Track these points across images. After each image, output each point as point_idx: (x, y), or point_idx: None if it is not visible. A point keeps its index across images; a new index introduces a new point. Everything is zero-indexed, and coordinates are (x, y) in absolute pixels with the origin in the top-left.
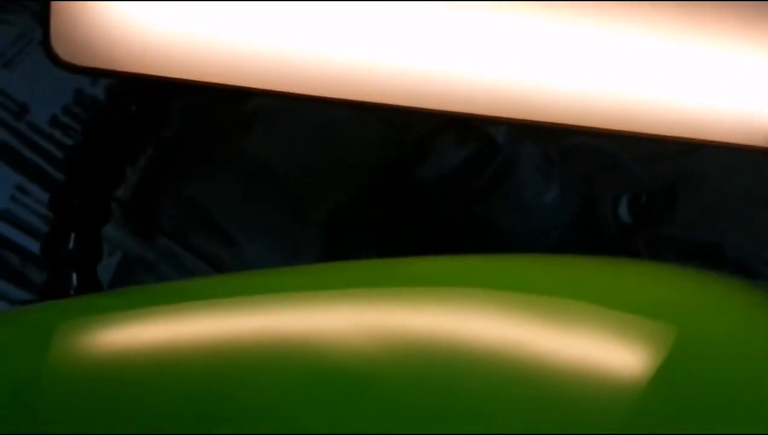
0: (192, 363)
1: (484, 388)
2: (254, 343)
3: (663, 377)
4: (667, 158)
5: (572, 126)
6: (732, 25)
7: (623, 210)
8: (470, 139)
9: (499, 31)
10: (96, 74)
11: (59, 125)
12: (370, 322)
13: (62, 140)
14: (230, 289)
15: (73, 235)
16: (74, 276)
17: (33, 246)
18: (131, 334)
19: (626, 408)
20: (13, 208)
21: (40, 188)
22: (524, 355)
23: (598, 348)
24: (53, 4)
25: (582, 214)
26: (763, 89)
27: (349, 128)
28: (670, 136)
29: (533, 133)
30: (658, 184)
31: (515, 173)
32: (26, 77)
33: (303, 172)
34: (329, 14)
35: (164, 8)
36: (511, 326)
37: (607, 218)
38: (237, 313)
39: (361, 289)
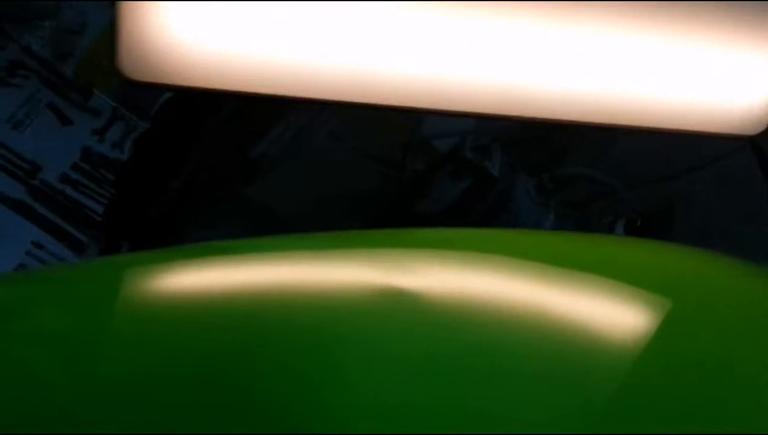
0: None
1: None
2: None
3: (663, 342)
4: (658, 183)
5: (559, 120)
6: (702, 22)
7: (619, 233)
8: (466, 173)
9: (480, 33)
10: (159, 88)
11: (70, 181)
12: (401, 283)
13: (73, 195)
14: (270, 247)
15: None
16: None
17: None
18: (188, 283)
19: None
20: (28, 262)
21: (55, 241)
22: (541, 319)
23: (608, 315)
24: (122, 30)
25: None
26: (732, 81)
27: (348, 169)
28: (646, 127)
29: (527, 165)
30: (652, 208)
31: (512, 204)
32: (36, 137)
33: (305, 214)
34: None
35: (218, 28)
36: (532, 294)
37: None
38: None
39: (395, 251)
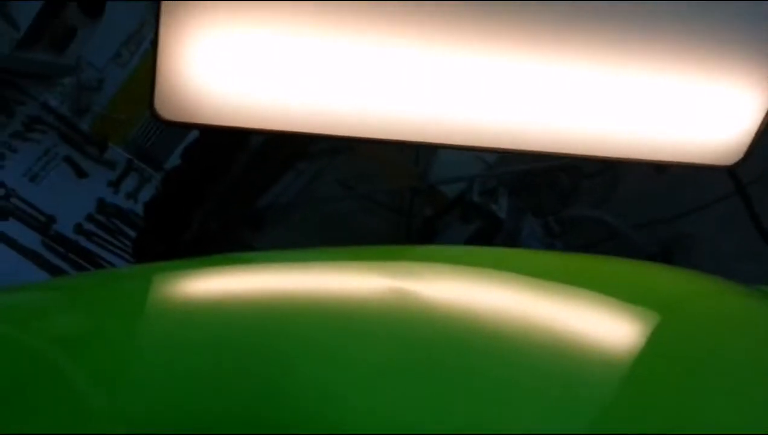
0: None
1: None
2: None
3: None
4: (661, 224)
5: (543, 153)
6: (679, 58)
7: None
8: (474, 217)
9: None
10: (191, 128)
11: (83, 232)
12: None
13: (87, 246)
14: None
15: None
16: None
17: None
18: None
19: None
20: None
21: None
22: (534, 331)
23: (600, 329)
24: (158, 74)
25: None
26: (709, 114)
27: (356, 218)
28: (626, 159)
29: (534, 208)
30: (655, 249)
31: (519, 246)
32: (52, 190)
33: None
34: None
35: (246, 72)
36: (530, 307)
37: None
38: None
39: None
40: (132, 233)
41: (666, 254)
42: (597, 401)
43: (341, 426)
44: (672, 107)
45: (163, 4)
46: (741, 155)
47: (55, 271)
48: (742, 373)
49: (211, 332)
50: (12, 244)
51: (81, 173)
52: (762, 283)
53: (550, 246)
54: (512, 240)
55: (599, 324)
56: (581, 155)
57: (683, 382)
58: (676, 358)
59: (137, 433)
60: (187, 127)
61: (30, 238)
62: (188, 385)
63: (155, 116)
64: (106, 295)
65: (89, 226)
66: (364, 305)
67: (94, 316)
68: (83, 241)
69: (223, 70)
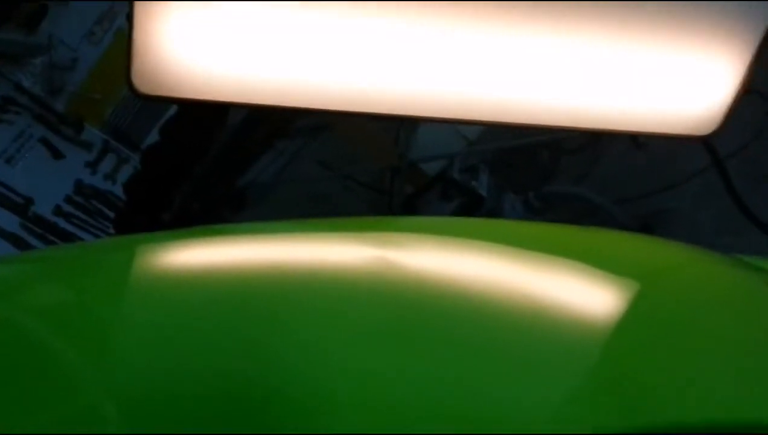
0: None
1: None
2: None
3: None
4: (641, 199)
5: (519, 124)
6: (655, 26)
7: None
8: (455, 194)
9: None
10: (170, 102)
11: (62, 214)
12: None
13: (66, 228)
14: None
15: None
16: None
17: None
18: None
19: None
20: None
21: None
22: (516, 301)
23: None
24: (134, 47)
25: None
26: (684, 83)
27: (337, 197)
28: (600, 130)
29: (514, 185)
30: (635, 224)
31: None
32: (28, 171)
33: None
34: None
35: (226, 43)
36: (511, 277)
37: None
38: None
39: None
40: (111, 214)
41: (646, 229)
42: (577, 369)
43: (329, 389)
44: (646, 77)
45: None
46: (716, 126)
47: None
48: (726, 342)
49: (198, 299)
50: None
51: (57, 154)
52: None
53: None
54: (493, 217)
55: (581, 293)
56: (557, 126)
57: (665, 350)
58: (658, 326)
59: (126, 406)
60: (165, 101)
61: (8, 220)
62: (176, 354)
63: (133, 91)
64: (87, 266)
65: (68, 208)
66: (346, 272)
67: (80, 289)
68: (62, 223)
69: (202, 43)
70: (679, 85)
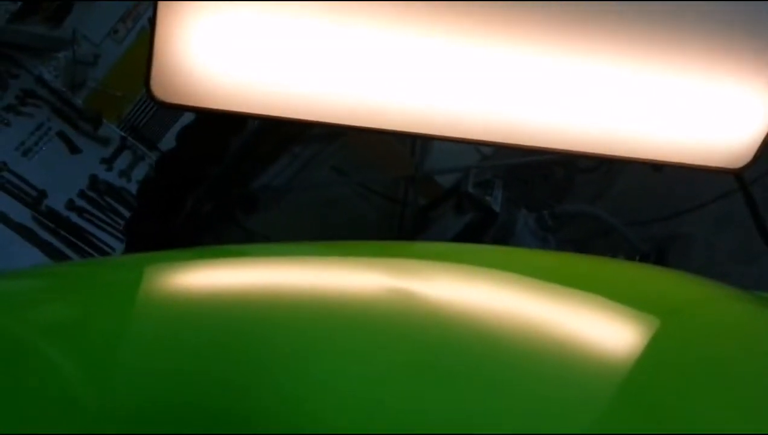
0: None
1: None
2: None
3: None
4: (656, 222)
5: (552, 150)
6: (690, 57)
7: None
8: (468, 208)
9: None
10: (186, 110)
11: (75, 208)
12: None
13: (78, 222)
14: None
15: None
16: None
17: None
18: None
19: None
20: None
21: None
22: (533, 331)
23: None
24: (155, 54)
25: None
26: (718, 116)
27: (350, 204)
28: (634, 159)
29: (528, 201)
30: (649, 247)
31: (512, 239)
32: (44, 165)
33: None
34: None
35: (245, 56)
36: (528, 307)
37: None
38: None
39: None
40: (124, 211)
41: (660, 253)
42: (596, 405)
43: (338, 422)
44: (680, 108)
45: None
46: (749, 159)
47: (45, 246)
48: (743, 381)
49: (204, 325)
50: (2, 217)
51: (74, 149)
52: (756, 285)
53: (543, 240)
54: (506, 232)
55: (601, 327)
56: (586, 153)
57: (683, 387)
58: (676, 363)
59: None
60: (182, 109)
61: (21, 213)
62: (178, 378)
63: (151, 97)
64: (95, 285)
65: (81, 203)
66: (359, 303)
67: (83, 306)
68: (74, 217)
69: (221, 54)
70: (714, 118)
